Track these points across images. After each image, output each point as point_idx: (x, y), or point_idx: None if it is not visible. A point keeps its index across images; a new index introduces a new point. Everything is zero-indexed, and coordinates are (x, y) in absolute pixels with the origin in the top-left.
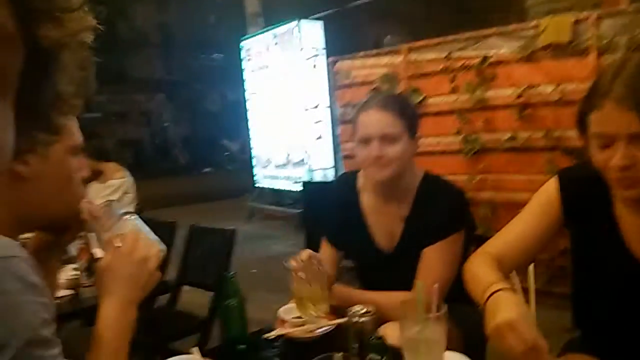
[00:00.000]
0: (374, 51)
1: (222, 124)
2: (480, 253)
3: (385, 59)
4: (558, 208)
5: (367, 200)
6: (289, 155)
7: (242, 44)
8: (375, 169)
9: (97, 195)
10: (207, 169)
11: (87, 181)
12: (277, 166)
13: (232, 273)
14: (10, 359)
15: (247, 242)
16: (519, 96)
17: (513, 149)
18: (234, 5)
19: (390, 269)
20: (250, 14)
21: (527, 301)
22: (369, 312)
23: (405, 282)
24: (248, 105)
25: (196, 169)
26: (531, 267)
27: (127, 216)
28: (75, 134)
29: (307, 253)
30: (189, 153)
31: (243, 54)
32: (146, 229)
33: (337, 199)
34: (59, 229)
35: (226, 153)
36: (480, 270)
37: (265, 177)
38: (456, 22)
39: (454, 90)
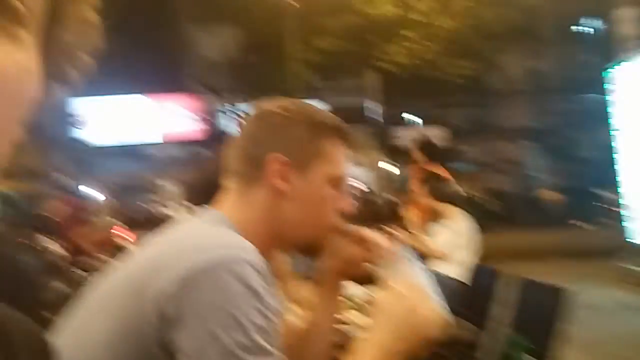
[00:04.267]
0: None
1: (592, 171)
2: None
3: None
4: None
5: None
6: None
7: (609, 75)
8: None
9: (440, 237)
10: (574, 221)
11: (426, 221)
12: None
13: (518, 338)
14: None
15: (608, 312)
16: None
17: None
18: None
19: None
20: (621, 39)
21: None
22: None
23: None
24: (618, 148)
25: (562, 221)
26: None
27: (417, 264)
28: (338, 165)
29: None
30: (555, 203)
31: (611, 88)
32: (431, 283)
33: None
34: (306, 251)
35: (598, 204)
36: None
37: None
38: None
39: None
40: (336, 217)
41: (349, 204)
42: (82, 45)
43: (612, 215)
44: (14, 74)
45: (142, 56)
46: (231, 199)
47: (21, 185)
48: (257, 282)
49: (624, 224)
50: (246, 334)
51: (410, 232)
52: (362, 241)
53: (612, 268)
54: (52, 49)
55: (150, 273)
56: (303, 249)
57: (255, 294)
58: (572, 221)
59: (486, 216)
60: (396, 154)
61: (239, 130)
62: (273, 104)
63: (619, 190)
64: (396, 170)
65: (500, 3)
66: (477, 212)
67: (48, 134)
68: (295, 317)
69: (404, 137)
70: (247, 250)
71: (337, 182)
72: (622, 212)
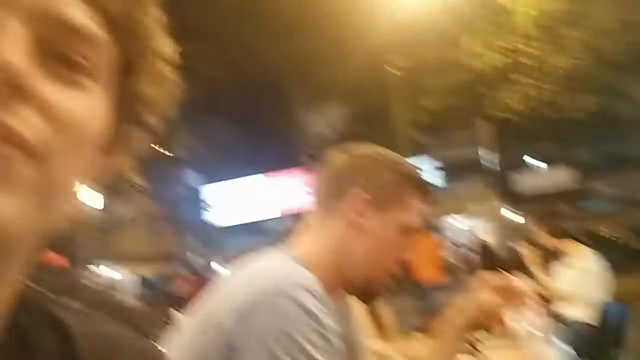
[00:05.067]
0: None
1: None
2: None
3: None
4: None
5: None
6: None
7: None
8: None
9: (564, 277)
10: None
11: (547, 260)
12: None
13: None
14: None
15: None
16: None
17: None
18: None
19: None
20: None
21: None
22: None
23: None
24: None
25: None
26: None
27: (538, 334)
28: (413, 216)
29: None
30: None
31: None
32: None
33: None
34: (362, 294)
35: None
36: None
37: None
38: None
39: None
40: (395, 265)
41: (410, 255)
42: (159, 96)
43: None
44: (79, 115)
45: (260, 141)
46: (306, 230)
47: (159, 268)
48: (313, 305)
49: None
50: (306, 354)
51: (532, 276)
52: (503, 289)
53: None
54: (129, 98)
55: (217, 310)
56: (359, 290)
57: (313, 315)
58: None
59: (631, 257)
60: (519, 200)
61: (328, 165)
62: (365, 148)
63: None
64: (520, 218)
65: (623, 30)
66: (619, 253)
67: (182, 219)
68: None
69: (526, 182)
70: (303, 276)
71: (407, 231)
72: None
